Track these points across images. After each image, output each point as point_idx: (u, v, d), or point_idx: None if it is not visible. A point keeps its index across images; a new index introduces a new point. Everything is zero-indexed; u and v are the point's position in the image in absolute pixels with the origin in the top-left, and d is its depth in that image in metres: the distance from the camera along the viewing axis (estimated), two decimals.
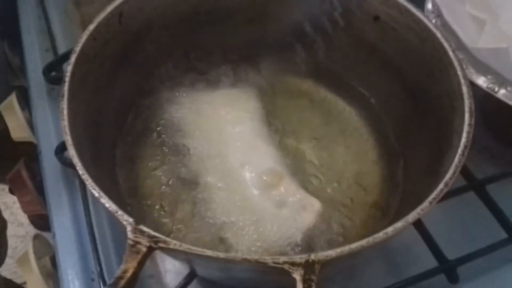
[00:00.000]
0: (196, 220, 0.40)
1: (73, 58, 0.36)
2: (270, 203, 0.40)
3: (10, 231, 1.27)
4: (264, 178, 0.41)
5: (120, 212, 0.28)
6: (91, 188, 0.30)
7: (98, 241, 0.43)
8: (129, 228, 0.28)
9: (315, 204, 0.41)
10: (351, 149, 0.45)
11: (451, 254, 0.42)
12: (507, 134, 0.54)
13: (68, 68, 0.35)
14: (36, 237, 0.53)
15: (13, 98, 0.63)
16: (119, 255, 0.44)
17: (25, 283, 1.18)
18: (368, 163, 0.44)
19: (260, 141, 0.44)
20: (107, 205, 0.29)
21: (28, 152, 0.65)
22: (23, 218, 1.39)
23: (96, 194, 0.29)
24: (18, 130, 0.62)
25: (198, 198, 0.41)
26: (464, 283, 0.42)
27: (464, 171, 0.46)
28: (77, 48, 0.37)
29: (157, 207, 0.41)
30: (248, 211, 0.39)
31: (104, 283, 0.40)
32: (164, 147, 0.45)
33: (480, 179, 0.46)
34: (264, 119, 0.46)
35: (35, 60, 0.58)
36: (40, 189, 0.60)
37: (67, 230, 0.45)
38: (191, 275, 0.39)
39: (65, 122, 0.32)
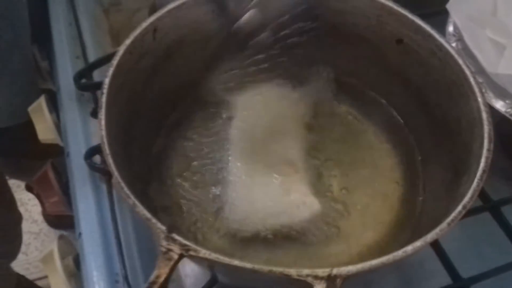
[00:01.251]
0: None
1: (110, 71, 0.38)
2: (278, 187, 0.43)
3: (24, 227, 1.30)
4: (282, 166, 0.44)
5: (154, 220, 0.30)
6: (125, 196, 0.31)
7: (123, 244, 0.45)
8: (162, 236, 0.29)
9: (315, 205, 0.43)
10: (375, 168, 0.46)
11: (464, 272, 0.43)
12: None
13: (106, 80, 0.37)
14: (61, 237, 0.55)
15: (42, 101, 0.65)
16: (143, 258, 0.45)
17: (37, 279, 1.21)
18: (390, 183, 0.46)
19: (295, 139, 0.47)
20: (141, 213, 0.31)
21: (53, 154, 0.67)
22: (38, 215, 1.42)
23: (131, 202, 0.31)
24: (45, 132, 0.64)
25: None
26: None
27: (480, 193, 0.47)
28: (115, 62, 0.38)
29: (184, 211, 0.43)
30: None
31: (128, 284, 0.42)
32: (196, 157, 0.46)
33: (495, 200, 0.47)
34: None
35: (66, 66, 0.60)
36: (65, 191, 0.62)
37: (94, 232, 0.47)
38: (212, 281, 0.41)
39: (103, 132, 0.34)
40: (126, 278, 0.42)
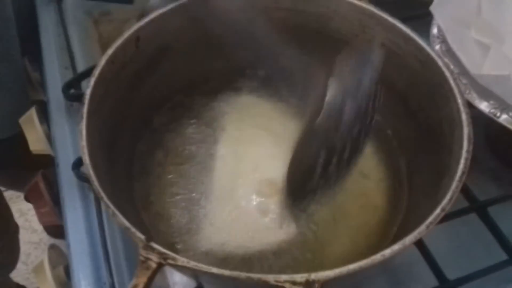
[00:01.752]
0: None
1: (92, 81, 0.38)
2: (256, 207, 0.43)
3: (24, 237, 1.30)
4: (262, 186, 0.44)
5: (132, 230, 0.30)
6: (105, 206, 0.32)
7: (110, 253, 0.45)
8: (140, 245, 0.30)
9: (291, 229, 0.42)
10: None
11: (451, 274, 0.43)
12: (509, 156, 0.55)
13: (88, 91, 0.37)
14: (51, 247, 0.55)
15: (32, 112, 0.65)
16: (130, 267, 0.46)
17: None
18: (373, 183, 0.46)
19: (278, 153, 0.46)
20: (120, 222, 0.31)
21: (45, 164, 0.67)
22: (37, 225, 1.42)
23: (110, 212, 0.31)
24: (36, 143, 0.64)
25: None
26: None
27: (467, 193, 0.47)
28: (96, 72, 0.39)
29: (170, 220, 0.43)
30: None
31: None
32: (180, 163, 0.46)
33: (482, 201, 0.47)
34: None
35: (54, 77, 0.61)
36: (56, 201, 0.62)
37: (82, 241, 0.47)
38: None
39: (83, 143, 0.34)
40: (113, 286, 0.42)
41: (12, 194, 1.33)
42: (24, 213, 1.47)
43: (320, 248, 0.41)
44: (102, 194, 0.32)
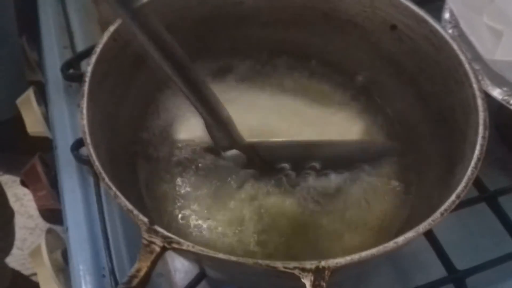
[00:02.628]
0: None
1: (93, 58, 0.37)
2: None
3: (20, 223, 1.29)
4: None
5: (135, 212, 0.29)
6: (107, 187, 0.30)
7: (110, 238, 0.44)
8: (143, 228, 0.28)
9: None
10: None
11: (460, 264, 0.42)
12: None
13: (89, 68, 0.36)
14: (48, 231, 0.54)
15: (30, 93, 0.64)
16: (130, 253, 0.44)
17: (32, 275, 1.20)
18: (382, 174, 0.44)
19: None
20: (122, 204, 0.29)
21: (43, 147, 0.66)
22: (33, 210, 1.40)
23: (112, 193, 0.30)
24: (34, 125, 0.63)
25: None
26: None
27: (477, 182, 0.46)
28: (98, 49, 0.37)
29: (175, 204, 0.41)
30: None
31: (115, 279, 0.41)
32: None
33: (492, 190, 0.46)
34: None
35: (53, 57, 0.59)
36: (54, 184, 0.61)
37: (80, 226, 0.46)
38: (200, 275, 0.40)
39: (84, 121, 0.33)
40: (112, 272, 0.41)
41: (8, 178, 1.32)
42: (20, 198, 1.46)
43: (327, 236, 0.40)
44: (104, 175, 0.30)
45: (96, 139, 0.34)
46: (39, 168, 0.57)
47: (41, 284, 0.51)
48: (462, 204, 0.44)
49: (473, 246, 0.45)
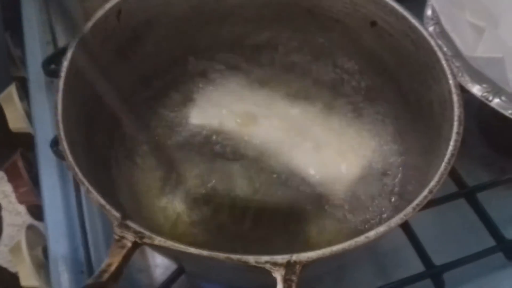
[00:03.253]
0: None
1: (69, 54, 0.36)
2: None
3: (7, 220, 1.28)
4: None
5: (108, 207, 0.29)
6: (80, 182, 0.30)
7: (89, 235, 0.44)
8: (115, 223, 0.28)
9: None
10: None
11: (439, 259, 0.42)
12: (501, 141, 0.54)
13: (64, 63, 0.36)
14: (29, 227, 0.54)
15: (12, 89, 0.63)
16: (108, 249, 0.44)
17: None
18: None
19: None
20: (94, 199, 0.29)
21: (26, 143, 0.66)
22: (21, 207, 1.40)
23: (85, 188, 0.30)
24: (16, 121, 0.63)
25: None
26: None
27: (456, 178, 0.47)
28: (74, 44, 0.37)
29: (153, 201, 0.41)
30: None
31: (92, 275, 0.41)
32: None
33: (471, 186, 0.46)
34: None
35: (35, 52, 0.59)
36: (36, 180, 0.61)
37: (59, 222, 0.46)
38: (179, 271, 0.40)
39: (59, 117, 0.33)
40: (90, 268, 0.41)
41: None
42: (8, 195, 1.44)
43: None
44: (77, 169, 0.30)
45: (71, 135, 0.34)
46: (20, 164, 0.56)
47: (22, 280, 0.51)
48: (441, 199, 0.45)
49: (452, 242, 0.46)
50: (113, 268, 0.27)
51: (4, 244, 1.35)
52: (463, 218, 0.46)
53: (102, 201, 0.29)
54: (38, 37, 0.60)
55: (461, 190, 0.46)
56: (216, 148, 0.45)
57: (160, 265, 0.44)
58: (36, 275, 0.50)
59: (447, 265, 0.42)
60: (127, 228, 0.28)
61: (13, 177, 0.58)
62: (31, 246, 0.52)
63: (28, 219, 1.42)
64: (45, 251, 0.53)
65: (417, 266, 0.42)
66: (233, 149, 0.44)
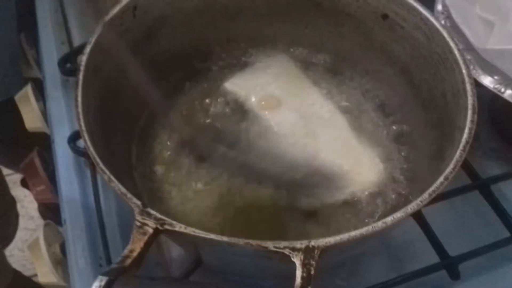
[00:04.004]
0: None
1: (88, 49, 0.37)
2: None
3: (21, 224, 1.29)
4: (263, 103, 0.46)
5: (129, 195, 0.29)
6: (101, 172, 0.31)
7: (107, 229, 0.44)
8: (137, 211, 0.29)
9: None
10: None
11: (453, 251, 0.42)
12: None
13: (83, 58, 0.36)
14: (47, 224, 0.54)
15: (28, 89, 0.64)
16: (126, 243, 0.45)
17: (34, 276, 1.20)
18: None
19: None
20: (116, 188, 0.30)
21: (42, 143, 0.67)
22: (34, 211, 1.41)
23: (106, 178, 0.30)
24: (32, 121, 0.64)
25: None
26: (466, 280, 0.42)
27: (469, 171, 0.47)
28: (92, 39, 0.38)
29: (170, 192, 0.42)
30: None
31: None
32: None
33: (485, 178, 0.47)
34: None
35: (51, 52, 0.60)
36: (52, 179, 0.62)
37: (78, 217, 0.46)
38: (195, 264, 0.40)
39: (79, 109, 0.33)
40: (109, 262, 0.42)
41: (9, 180, 1.32)
42: (21, 199, 1.46)
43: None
44: (98, 160, 0.31)
45: (91, 126, 0.34)
46: (37, 163, 0.57)
47: (40, 276, 0.52)
48: (455, 192, 0.45)
49: (466, 233, 0.46)
50: (135, 254, 0.27)
51: (17, 248, 1.36)
52: (477, 210, 0.46)
53: (124, 190, 0.30)
54: (53, 37, 0.62)
55: (475, 182, 0.46)
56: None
57: (176, 260, 0.45)
58: (54, 272, 0.51)
59: (463, 256, 0.42)
60: (149, 215, 0.29)
61: (30, 176, 0.59)
62: (48, 243, 0.52)
63: (41, 223, 1.44)
64: (62, 247, 0.54)
65: (431, 259, 0.43)
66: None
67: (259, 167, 0.43)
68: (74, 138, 0.49)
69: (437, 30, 0.39)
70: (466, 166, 0.47)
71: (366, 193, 0.42)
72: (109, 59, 0.40)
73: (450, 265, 0.42)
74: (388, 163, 0.44)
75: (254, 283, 0.42)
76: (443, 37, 0.39)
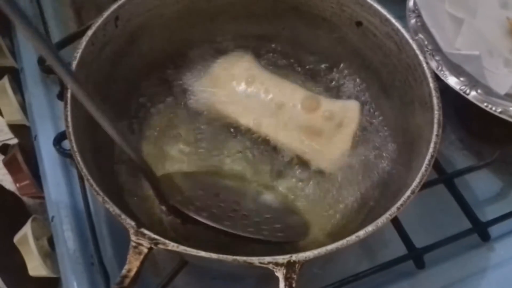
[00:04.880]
0: None
1: (74, 65, 0.38)
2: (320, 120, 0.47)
3: None
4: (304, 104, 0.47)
5: (123, 216, 0.32)
6: (95, 192, 0.33)
7: (96, 227, 0.46)
8: (131, 231, 0.31)
9: (355, 104, 0.47)
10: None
11: (420, 242, 0.46)
12: (477, 127, 0.58)
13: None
14: (34, 219, 0.56)
15: (5, 81, 0.64)
16: (115, 241, 0.47)
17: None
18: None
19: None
20: (111, 209, 0.32)
21: (22, 135, 0.67)
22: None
23: (100, 199, 0.32)
24: (11, 114, 0.64)
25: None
26: (430, 268, 0.46)
27: (436, 166, 0.50)
28: (77, 55, 0.39)
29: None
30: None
31: (103, 267, 0.44)
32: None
33: (449, 172, 0.50)
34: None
35: (29, 47, 0.59)
36: (35, 172, 0.63)
37: (67, 216, 0.48)
38: (182, 263, 0.42)
39: (70, 129, 0.35)
40: (100, 260, 0.44)
41: None
42: None
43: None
44: (92, 181, 0.33)
45: (81, 144, 0.36)
46: (20, 158, 0.58)
47: (30, 270, 0.54)
48: (422, 186, 0.48)
49: (432, 225, 0.49)
50: (132, 273, 0.30)
51: None
52: (442, 203, 0.50)
53: (118, 211, 0.32)
54: None
55: (440, 176, 0.50)
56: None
57: (164, 259, 0.46)
58: (43, 265, 0.53)
59: (428, 247, 0.46)
60: (143, 235, 0.31)
61: (13, 171, 0.60)
62: (36, 237, 0.54)
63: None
64: (50, 241, 0.55)
65: (400, 248, 0.46)
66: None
67: None
68: (59, 140, 0.50)
69: (407, 42, 0.42)
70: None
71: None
72: (94, 70, 0.41)
73: (416, 256, 0.46)
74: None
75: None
76: (413, 49, 0.41)
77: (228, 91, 0.49)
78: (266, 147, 0.48)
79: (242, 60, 0.50)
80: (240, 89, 0.49)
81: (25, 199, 0.98)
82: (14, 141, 0.73)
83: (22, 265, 0.54)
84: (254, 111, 0.48)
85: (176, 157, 0.47)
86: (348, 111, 0.47)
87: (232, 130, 0.48)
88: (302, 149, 0.46)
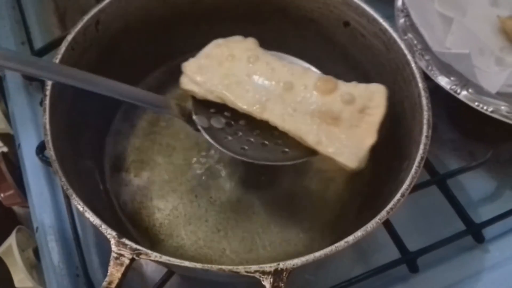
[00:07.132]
0: None
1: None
2: (340, 104, 0.39)
3: None
4: (317, 85, 0.40)
5: (103, 226, 0.31)
6: (75, 203, 0.32)
7: (81, 238, 0.45)
8: (112, 241, 0.30)
9: (380, 86, 0.40)
10: None
11: (413, 245, 0.45)
12: (468, 127, 0.57)
13: (49, 82, 0.36)
14: (18, 230, 0.55)
15: None
16: (101, 251, 0.46)
17: None
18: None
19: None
20: (91, 219, 0.31)
21: (7, 144, 0.66)
22: None
23: (81, 209, 0.31)
24: None
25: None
26: (424, 272, 0.45)
27: (428, 167, 0.49)
28: (57, 60, 0.38)
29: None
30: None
31: (88, 278, 0.43)
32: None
33: (442, 174, 0.49)
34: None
35: None
36: (19, 181, 0.61)
37: (51, 227, 0.47)
38: (169, 274, 0.41)
39: (48, 137, 0.34)
40: (85, 271, 0.43)
41: None
42: None
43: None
44: (71, 191, 0.32)
45: (61, 153, 0.35)
46: (4, 168, 0.57)
47: (16, 283, 0.52)
48: (414, 187, 0.47)
49: (425, 227, 0.48)
50: (113, 285, 0.29)
51: None
52: (435, 204, 0.49)
53: (98, 221, 0.31)
54: (13, 37, 0.60)
55: (432, 177, 0.49)
56: None
57: (151, 263, 0.46)
58: (29, 277, 0.52)
59: (421, 250, 0.45)
60: (124, 245, 0.30)
61: None
62: (22, 249, 0.53)
63: None
64: (35, 252, 0.54)
65: (393, 251, 0.45)
66: None
67: None
68: (42, 149, 0.49)
69: (395, 41, 0.41)
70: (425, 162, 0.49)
71: None
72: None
73: (409, 260, 0.45)
74: None
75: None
76: (401, 49, 0.41)
77: (226, 71, 0.42)
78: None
79: (243, 41, 0.44)
80: (240, 68, 0.41)
81: (15, 208, 0.97)
82: (5, 149, 0.72)
83: (8, 277, 0.53)
84: (256, 92, 0.40)
85: None
86: (373, 95, 0.39)
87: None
88: (314, 139, 0.38)
